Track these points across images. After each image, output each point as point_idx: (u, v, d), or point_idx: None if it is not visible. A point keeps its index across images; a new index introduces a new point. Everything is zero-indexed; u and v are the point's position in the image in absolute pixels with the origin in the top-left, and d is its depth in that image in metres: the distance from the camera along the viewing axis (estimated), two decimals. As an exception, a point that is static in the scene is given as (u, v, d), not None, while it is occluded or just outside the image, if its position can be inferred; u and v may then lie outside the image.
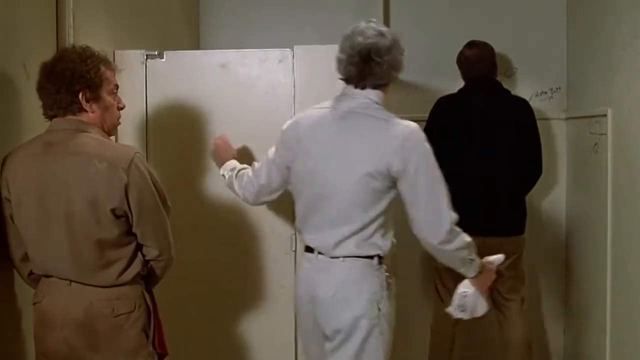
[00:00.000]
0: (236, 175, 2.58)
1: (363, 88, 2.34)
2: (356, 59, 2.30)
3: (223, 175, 2.63)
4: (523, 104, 3.47)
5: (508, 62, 3.83)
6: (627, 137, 3.01)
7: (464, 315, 2.53)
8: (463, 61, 3.52)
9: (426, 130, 3.48)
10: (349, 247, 2.31)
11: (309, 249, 2.38)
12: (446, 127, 3.41)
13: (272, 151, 2.49)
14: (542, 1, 3.90)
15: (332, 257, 2.31)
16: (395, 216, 3.71)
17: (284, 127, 2.44)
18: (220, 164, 2.65)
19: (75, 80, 1.98)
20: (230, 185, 2.61)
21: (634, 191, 2.93)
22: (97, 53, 2.06)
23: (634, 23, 2.91)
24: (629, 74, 2.98)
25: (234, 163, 2.63)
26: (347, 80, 2.36)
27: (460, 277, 3.51)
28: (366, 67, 2.29)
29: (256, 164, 2.57)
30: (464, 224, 3.34)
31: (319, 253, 2.34)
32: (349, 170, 2.27)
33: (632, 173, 2.94)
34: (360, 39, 2.29)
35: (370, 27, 2.34)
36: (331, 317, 2.31)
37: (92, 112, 2.03)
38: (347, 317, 2.30)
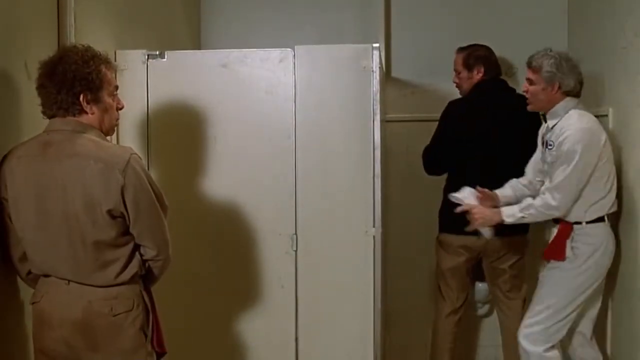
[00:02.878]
0: None
1: None
2: None
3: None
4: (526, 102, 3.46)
5: (508, 62, 3.83)
6: (628, 137, 3.00)
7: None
8: (484, 60, 3.51)
9: (437, 133, 3.50)
10: None
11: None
12: (459, 130, 3.40)
13: None
14: (543, 0, 3.90)
15: None
16: (396, 216, 3.74)
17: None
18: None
19: (76, 82, 1.98)
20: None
21: (636, 190, 2.92)
22: (99, 54, 2.06)
23: (635, 22, 2.91)
24: (630, 73, 2.97)
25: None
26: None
27: (463, 279, 3.52)
28: None
29: None
30: (457, 221, 3.35)
31: None
32: None
33: (634, 172, 2.94)
34: None
35: None
36: None
37: (92, 113, 2.03)
38: None
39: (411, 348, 3.85)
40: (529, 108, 3.09)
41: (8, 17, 2.13)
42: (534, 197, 2.99)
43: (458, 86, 3.57)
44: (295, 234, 2.78)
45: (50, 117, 2.03)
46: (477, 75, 3.51)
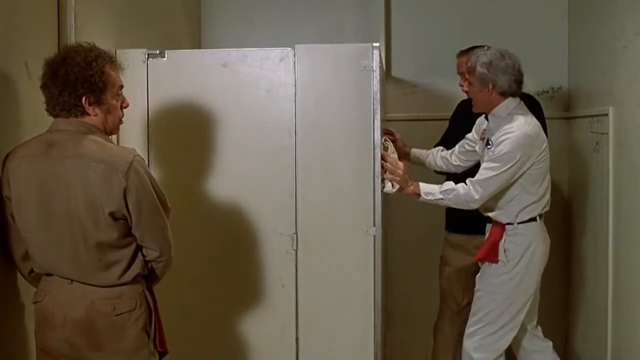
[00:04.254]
0: None
1: None
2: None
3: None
4: (530, 99, 3.46)
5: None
6: (628, 136, 3.01)
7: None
8: None
9: (447, 131, 3.50)
10: None
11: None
12: (468, 129, 3.40)
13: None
14: (543, 0, 3.90)
15: None
16: (397, 216, 3.74)
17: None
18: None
19: (79, 85, 1.97)
20: None
21: (636, 190, 2.92)
22: (103, 53, 2.04)
23: (636, 21, 2.91)
24: (630, 73, 2.97)
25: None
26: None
27: (469, 280, 3.52)
28: None
29: None
30: (470, 222, 3.36)
31: None
32: None
33: (634, 172, 2.94)
34: None
35: None
36: None
37: (95, 115, 2.03)
38: None
39: (412, 348, 3.85)
40: (475, 110, 3.03)
41: (8, 17, 2.13)
42: (455, 182, 2.96)
43: None
44: (296, 233, 2.78)
45: (54, 116, 2.03)
46: None
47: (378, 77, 2.73)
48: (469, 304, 3.53)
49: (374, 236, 2.76)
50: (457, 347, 3.52)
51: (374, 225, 2.76)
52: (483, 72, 2.88)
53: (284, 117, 2.77)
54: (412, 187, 2.93)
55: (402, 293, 3.88)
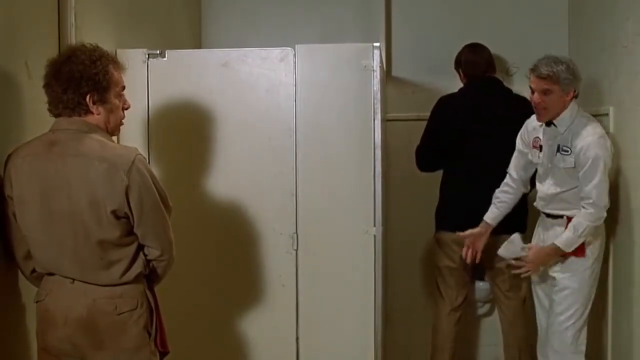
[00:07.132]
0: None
1: None
2: None
3: None
4: (524, 102, 3.47)
5: (509, 61, 3.84)
6: (629, 136, 3.01)
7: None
8: (463, 61, 3.54)
9: (428, 129, 3.52)
10: None
11: None
12: (449, 126, 3.42)
13: None
14: (543, 0, 3.91)
15: None
16: (397, 215, 3.74)
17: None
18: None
19: (83, 83, 1.98)
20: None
21: (636, 190, 2.93)
22: (106, 53, 2.06)
23: (636, 21, 2.91)
24: (631, 73, 2.97)
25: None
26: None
27: (462, 278, 3.53)
28: None
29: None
30: (465, 221, 3.37)
31: None
32: None
33: (634, 172, 2.94)
34: None
35: None
36: None
37: (98, 114, 2.03)
38: None
39: (412, 347, 3.85)
40: (543, 119, 3.00)
41: (8, 17, 2.13)
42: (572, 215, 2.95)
43: None
44: (296, 233, 2.79)
45: (56, 115, 2.03)
46: (462, 77, 3.57)
47: (378, 76, 2.74)
48: (464, 301, 3.55)
49: (374, 236, 2.76)
50: (454, 345, 3.54)
51: (374, 225, 2.76)
52: (569, 77, 2.91)
53: (284, 117, 2.77)
54: (555, 253, 2.98)
55: (403, 292, 3.89)
